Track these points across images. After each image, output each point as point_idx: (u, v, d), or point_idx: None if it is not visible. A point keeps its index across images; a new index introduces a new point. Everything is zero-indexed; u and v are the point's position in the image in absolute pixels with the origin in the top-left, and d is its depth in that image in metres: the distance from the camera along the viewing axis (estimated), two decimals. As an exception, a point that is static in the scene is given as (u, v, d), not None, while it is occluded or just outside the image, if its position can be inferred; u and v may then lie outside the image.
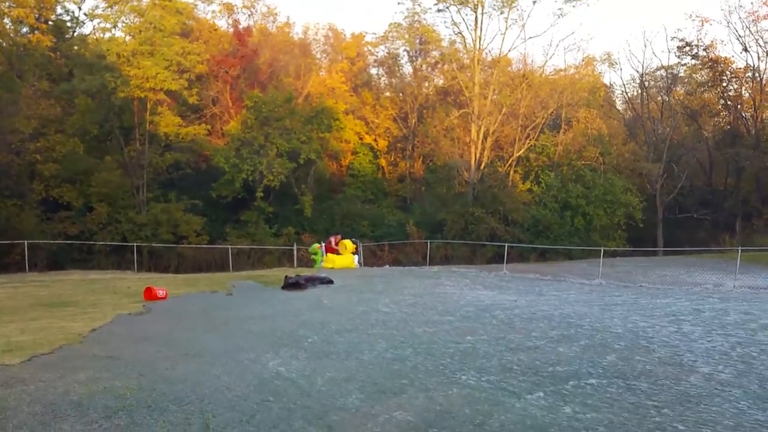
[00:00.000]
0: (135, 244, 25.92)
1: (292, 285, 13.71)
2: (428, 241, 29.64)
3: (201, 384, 5.23)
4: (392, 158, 47.93)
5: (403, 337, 7.00)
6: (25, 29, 33.08)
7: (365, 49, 49.47)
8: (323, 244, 21.93)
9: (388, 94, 49.04)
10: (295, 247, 26.37)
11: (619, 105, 50.39)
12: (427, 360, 5.88)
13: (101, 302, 12.01)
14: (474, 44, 37.16)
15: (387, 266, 24.88)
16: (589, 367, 5.68)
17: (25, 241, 22.33)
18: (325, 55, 50.20)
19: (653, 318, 8.72)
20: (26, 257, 21.96)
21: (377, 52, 49.33)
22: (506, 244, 22.01)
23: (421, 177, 45.63)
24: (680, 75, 42.34)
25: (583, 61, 43.92)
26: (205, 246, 31.68)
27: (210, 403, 4.68)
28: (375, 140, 45.88)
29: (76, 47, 35.80)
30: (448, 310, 9.51)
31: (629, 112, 47.84)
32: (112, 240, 29.59)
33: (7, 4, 30.75)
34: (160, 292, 12.62)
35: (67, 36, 36.71)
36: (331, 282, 14.28)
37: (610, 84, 49.76)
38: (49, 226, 28.75)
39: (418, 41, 42.78)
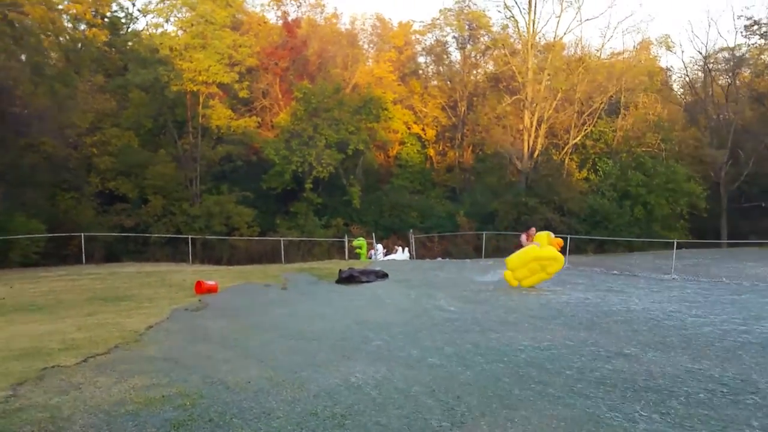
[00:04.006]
0: (189, 236, 26.10)
1: (346, 279, 13.32)
2: (483, 233, 28.63)
3: (265, 394, 4.80)
4: (440, 148, 47.11)
5: (474, 341, 6.41)
6: (82, 26, 33.82)
7: (413, 37, 48.68)
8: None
9: (436, 82, 48.11)
10: (345, 239, 26.01)
11: (678, 89, 47.92)
12: (507, 369, 5.27)
13: (157, 296, 11.89)
14: (528, 28, 35.78)
15: (439, 258, 24.32)
16: (697, 381, 4.96)
17: (82, 234, 22.76)
18: (372, 45, 49.67)
19: (754, 319, 7.83)
20: (83, 249, 22.39)
21: (425, 41, 48.50)
22: (567, 236, 20.94)
23: (471, 167, 44.61)
24: (746, 56, 39.72)
25: (639, 44, 41.88)
26: (257, 237, 31.84)
27: (277, 418, 4.23)
28: (423, 130, 45.14)
29: (130, 42, 36.44)
30: (516, 308, 8.86)
31: (689, 97, 45.42)
32: (167, 232, 30.04)
33: (66, 1, 31.45)
34: (210, 283, 12.44)
35: (121, 32, 37.43)
36: (386, 276, 13.81)
37: (668, 68, 47.30)
38: (105, 218, 29.39)
39: (468, 26, 41.57)
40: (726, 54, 39.44)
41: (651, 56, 43.41)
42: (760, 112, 40.14)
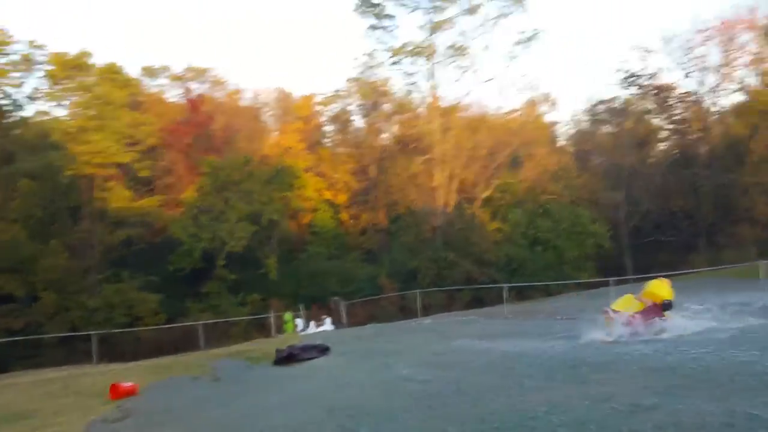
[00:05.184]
0: (92, 332, 23.31)
1: (286, 358, 12.09)
2: (416, 291, 28.07)
3: None
4: (353, 211, 47.08)
5: (475, 414, 5.63)
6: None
7: (316, 109, 49.46)
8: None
9: (343, 149, 48.72)
10: (272, 315, 24.47)
11: (563, 141, 51.51)
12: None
13: (65, 408, 10.06)
14: (431, 92, 37.25)
15: (372, 324, 23.29)
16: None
17: (-36, 344, 19.61)
18: (276, 118, 49.85)
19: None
20: (-33, 361, 19.22)
21: (328, 111, 49.47)
22: (505, 285, 20.91)
23: (385, 227, 44.72)
24: (626, 106, 43.55)
25: (526, 103, 44.85)
26: (165, 326, 29.29)
27: None
28: (334, 195, 45.05)
29: (17, 131, 33.62)
30: (493, 368, 8.20)
31: (575, 147, 48.87)
32: (62, 330, 26.86)
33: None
34: (127, 385, 10.81)
35: (4, 121, 34.52)
36: (328, 349, 12.73)
37: (552, 122, 50.83)
38: (-11, 322, 25.88)
39: (377, 89, 42.77)
40: (609, 105, 43.10)
41: (537, 113, 46.47)
42: (642, 155, 43.83)
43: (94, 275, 30.23)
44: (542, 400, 5.76)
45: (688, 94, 40.65)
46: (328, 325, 25.12)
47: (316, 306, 32.24)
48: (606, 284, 30.73)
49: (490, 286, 30.87)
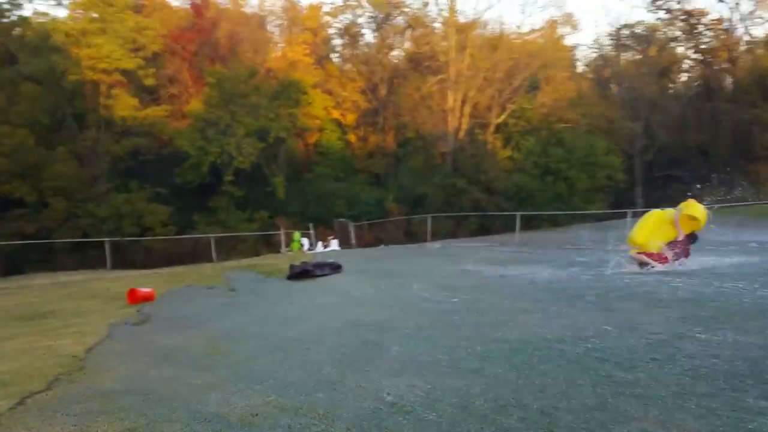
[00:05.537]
0: (105, 239, 23.51)
1: (299, 274, 12.19)
2: (426, 216, 27.98)
3: (286, 429, 3.76)
4: (361, 133, 46.32)
5: (500, 336, 5.62)
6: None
7: (323, 20, 47.36)
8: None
9: (352, 66, 47.11)
10: (282, 232, 24.62)
11: (582, 67, 49.80)
12: (573, 369, 4.48)
13: (84, 310, 10.21)
14: (449, 5, 35.54)
15: (382, 246, 23.51)
16: None
17: (-19, 244, 19.84)
18: (282, 29, 47.87)
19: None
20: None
21: (336, 23, 47.38)
22: (518, 213, 20.84)
23: (394, 151, 44.20)
24: (651, 31, 41.77)
25: (546, 23, 42.97)
26: (174, 237, 29.63)
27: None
28: (342, 115, 44.13)
29: (16, 30, 32.51)
30: (511, 293, 8.18)
31: (595, 73, 47.28)
32: (72, 237, 27.18)
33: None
34: (145, 290, 10.97)
35: (3, 20, 33.29)
36: (340, 267, 12.81)
37: (573, 46, 49.03)
38: (2, 225, 26.12)
39: (388, 4, 40.69)
40: (634, 29, 41.27)
41: (558, 35, 44.67)
42: (662, 85, 42.51)
43: (103, 184, 30.21)
44: (567, 327, 5.72)
45: (719, 21, 38.82)
46: (335, 245, 25.39)
47: (323, 227, 32.50)
48: (615, 217, 30.88)
49: (501, 214, 30.93)
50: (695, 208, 9.19)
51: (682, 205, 9.41)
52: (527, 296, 7.74)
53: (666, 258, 9.33)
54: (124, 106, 30.73)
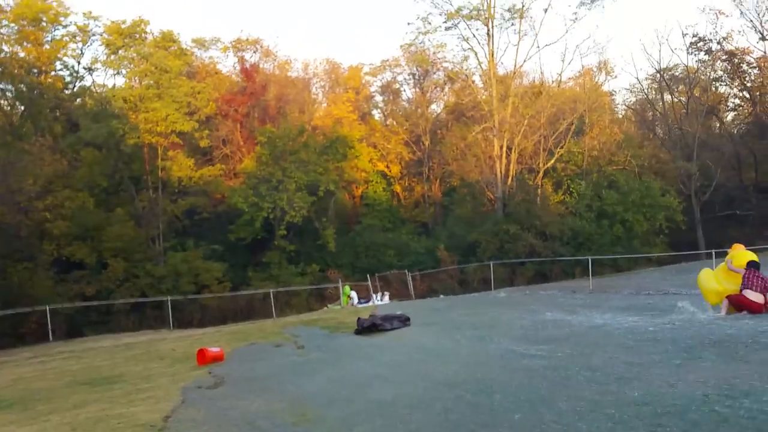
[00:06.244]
0: (167, 297, 23.65)
1: (367, 328, 11.72)
2: (489, 263, 27.15)
3: None
4: (406, 183, 46.53)
5: (621, 394, 4.98)
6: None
7: (365, 79, 48.75)
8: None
9: (391, 120, 48.04)
10: (340, 284, 24.29)
11: (622, 110, 49.00)
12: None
13: (153, 373, 9.97)
14: (490, 57, 35.71)
15: (441, 296, 22.85)
16: None
17: (47, 307, 20.07)
18: (325, 89, 49.50)
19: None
20: (48, 324, 19.70)
21: (377, 81, 48.83)
22: (589, 257, 19.96)
23: (440, 200, 43.97)
24: (692, 73, 40.94)
25: (587, 69, 42.67)
26: (230, 294, 29.70)
27: None
28: (387, 167, 44.51)
29: (78, 100, 34.34)
30: (609, 344, 7.49)
31: (638, 115, 46.44)
32: (131, 296, 27.53)
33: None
34: (215, 350, 10.64)
35: (66, 90, 35.31)
36: (408, 320, 12.28)
37: (611, 91, 48.42)
38: (64, 288, 26.72)
39: (430, 56, 41.38)
40: (678, 71, 40.61)
41: (598, 80, 44.25)
42: (710, 124, 41.37)
43: (160, 244, 30.74)
44: (698, 381, 5.07)
45: (764, 58, 37.77)
46: (386, 299, 24.90)
47: (374, 278, 32.10)
48: (679, 260, 29.39)
49: (560, 259, 29.92)
50: (743, 257, 9.47)
51: (730, 256, 9.70)
52: (634, 348, 7.05)
53: (760, 304, 8.97)
54: (180, 167, 31.60)
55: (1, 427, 7.16)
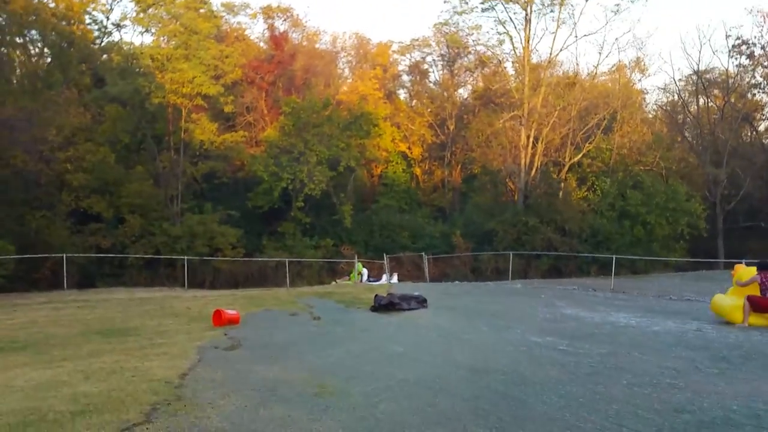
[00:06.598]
0: (183, 257, 23.69)
1: (385, 306, 11.55)
2: (508, 253, 26.94)
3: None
4: (426, 167, 46.04)
5: (661, 401, 4.73)
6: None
7: (392, 57, 48.02)
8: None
9: (417, 101, 47.35)
10: (356, 260, 24.17)
11: (652, 110, 47.88)
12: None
13: (167, 329, 9.89)
14: (525, 43, 34.94)
15: (457, 282, 22.63)
16: None
17: (64, 255, 20.21)
18: (352, 64, 48.87)
19: None
20: (63, 272, 19.83)
21: (405, 60, 48.00)
22: (613, 257, 19.57)
23: (459, 186, 43.52)
24: (732, 77, 39.82)
25: (624, 64, 41.63)
26: (245, 259, 29.75)
27: None
28: (409, 148, 44.02)
29: (105, 55, 34.18)
30: (640, 345, 7.23)
31: (670, 117, 45.37)
32: (145, 253, 27.63)
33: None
34: (231, 313, 10.51)
35: (94, 45, 35.13)
36: (426, 301, 12.09)
37: (644, 90, 47.29)
38: (80, 238, 26.86)
39: (463, 38, 40.59)
40: (715, 74, 39.53)
41: (634, 77, 43.22)
42: (742, 132, 40.34)
43: (178, 204, 30.74)
44: (740, 393, 4.80)
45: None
46: (394, 279, 24.82)
47: (387, 258, 31.96)
48: (700, 267, 28.87)
49: (578, 255, 29.55)
50: (748, 272, 9.59)
51: (736, 278, 9.79)
52: (664, 352, 6.77)
53: None
54: (203, 130, 31.38)
55: (14, 368, 7.09)
